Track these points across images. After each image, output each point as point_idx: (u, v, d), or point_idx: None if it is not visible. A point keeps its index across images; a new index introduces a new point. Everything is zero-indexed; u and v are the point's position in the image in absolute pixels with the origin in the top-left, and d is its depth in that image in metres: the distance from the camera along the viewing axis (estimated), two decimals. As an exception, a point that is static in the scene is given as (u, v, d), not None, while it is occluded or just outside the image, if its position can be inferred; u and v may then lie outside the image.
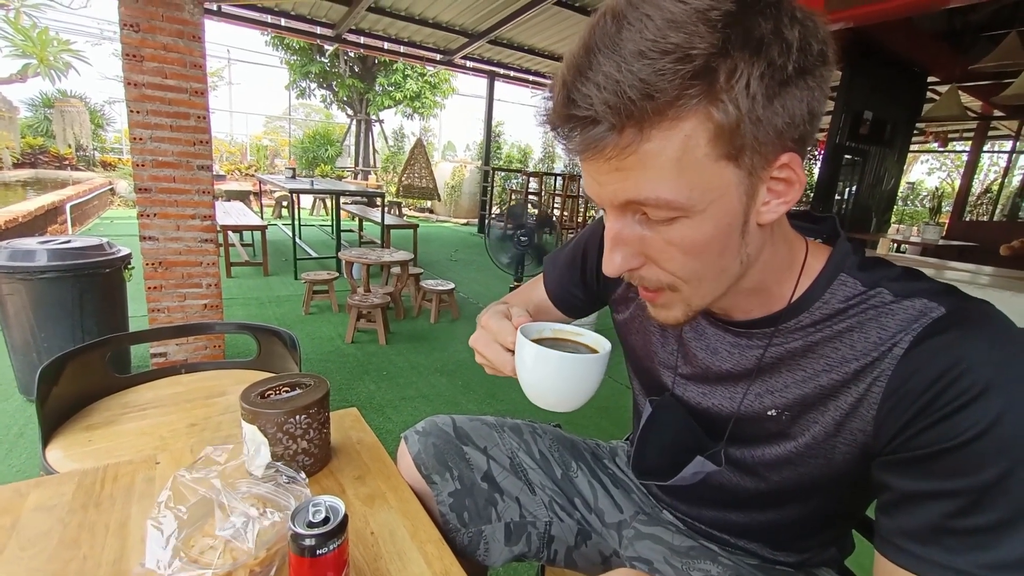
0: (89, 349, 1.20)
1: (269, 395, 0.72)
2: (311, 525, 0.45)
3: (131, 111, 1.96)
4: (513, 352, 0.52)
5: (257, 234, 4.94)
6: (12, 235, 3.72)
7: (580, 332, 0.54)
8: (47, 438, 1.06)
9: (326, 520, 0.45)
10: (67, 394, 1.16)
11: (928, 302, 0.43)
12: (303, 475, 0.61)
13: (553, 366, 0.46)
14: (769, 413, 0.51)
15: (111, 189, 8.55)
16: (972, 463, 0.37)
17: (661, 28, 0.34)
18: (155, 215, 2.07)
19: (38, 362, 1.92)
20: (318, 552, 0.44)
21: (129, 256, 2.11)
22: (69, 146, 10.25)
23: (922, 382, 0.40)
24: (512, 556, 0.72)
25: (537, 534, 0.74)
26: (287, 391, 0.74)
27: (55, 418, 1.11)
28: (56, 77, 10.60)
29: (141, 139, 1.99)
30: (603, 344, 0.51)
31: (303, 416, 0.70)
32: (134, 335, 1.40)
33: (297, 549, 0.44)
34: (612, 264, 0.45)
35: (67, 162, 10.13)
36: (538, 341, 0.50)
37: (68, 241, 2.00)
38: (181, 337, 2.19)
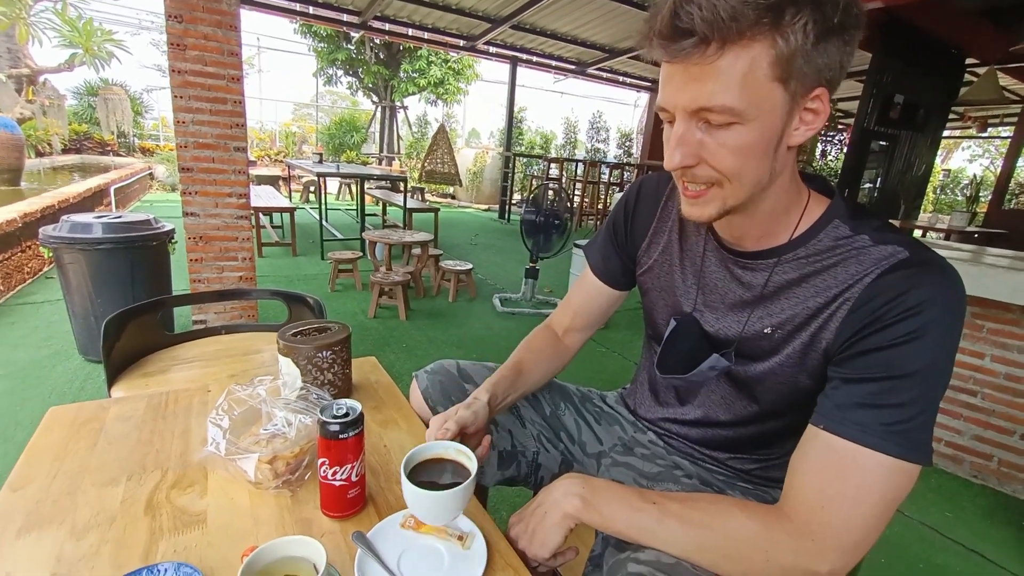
0: (146, 308, 1.37)
1: (300, 335, 0.85)
2: (335, 417, 0.57)
3: (175, 96, 2.13)
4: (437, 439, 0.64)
5: (286, 216, 5.16)
6: (65, 215, 4.00)
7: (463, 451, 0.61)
8: (111, 382, 1.23)
9: (347, 415, 0.58)
10: (127, 347, 1.32)
11: (897, 247, 0.54)
12: (328, 395, 0.73)
13: (413, 498, 0.55)
14: (765, 331, 0.63)
15: (150, 174, 8.94)
16: (896, 361, 0.50)
17: None
18: (196, 193, 2.24)
19: (96, 326, 2.13)
20: (340, 436, 0.56)
21: (173, 231, 2.30)
22: (112, 133, 10.75)
23: (879, 302, 0.52)
24: (503, 479, 0.84)
25: (526, 462, 0.85)
26: (316, 333, 0.87)
27: (117, 366, 1.28)
28: (100, 66, 11.08)
29: (184, 122, 2.16)
30: (472, 467, 0.59)
31: (328, 352, 0.82)
32: (183, 297, 1.58)
33: (325, 433, 0.56)
34: (673, 160, 0.54)
35: (109, 148, 10.62)
36: (425, 462, 0.59)
37: (119, 216, 2.19)
38: (222, 301, 2.38)
